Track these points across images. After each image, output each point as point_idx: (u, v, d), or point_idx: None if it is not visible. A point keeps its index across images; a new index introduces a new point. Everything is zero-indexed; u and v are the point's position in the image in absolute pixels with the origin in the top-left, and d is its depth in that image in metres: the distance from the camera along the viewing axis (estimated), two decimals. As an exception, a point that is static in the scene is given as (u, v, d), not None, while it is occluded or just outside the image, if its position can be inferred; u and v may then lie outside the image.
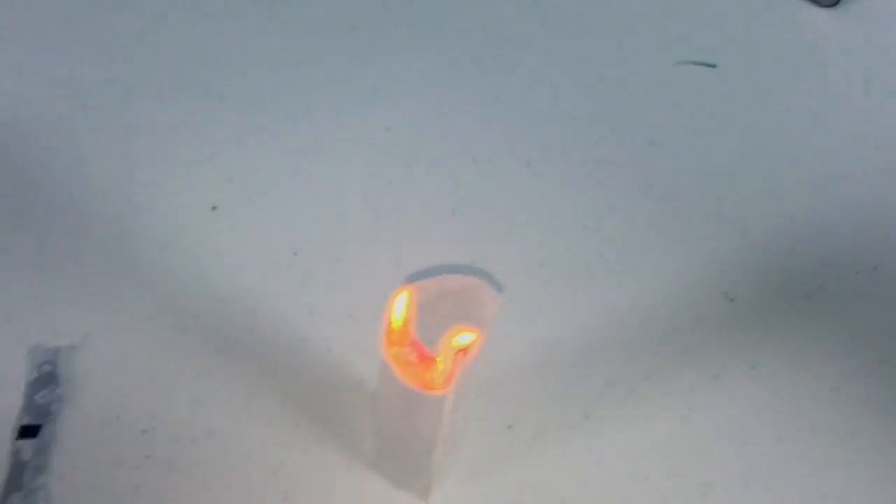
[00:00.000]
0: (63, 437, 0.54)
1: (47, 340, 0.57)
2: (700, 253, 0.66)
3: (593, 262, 0.65)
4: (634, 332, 0.62)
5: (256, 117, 0.70)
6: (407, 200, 0.66)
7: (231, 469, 0.54)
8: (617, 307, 0.63)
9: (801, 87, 0.77)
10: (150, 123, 0.69)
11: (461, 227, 0.66)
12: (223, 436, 0.55)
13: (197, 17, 0.76)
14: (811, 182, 0.71)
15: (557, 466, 0.56)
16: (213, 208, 0.65)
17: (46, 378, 0.56)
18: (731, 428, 0.58)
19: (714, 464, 0.56)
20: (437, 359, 0.42)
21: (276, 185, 0.66)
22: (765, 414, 0.59)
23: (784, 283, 0.65)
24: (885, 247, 0.67)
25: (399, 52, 0.76)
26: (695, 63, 0.77)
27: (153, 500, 0.52)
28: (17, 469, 0.52)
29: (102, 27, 0.74)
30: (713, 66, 0.77)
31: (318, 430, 0.55)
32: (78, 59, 0.72)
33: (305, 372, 0.58)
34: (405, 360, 0.42)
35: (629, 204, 0.68)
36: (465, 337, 0.40)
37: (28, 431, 0.54)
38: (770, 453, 0.57)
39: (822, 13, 0.82)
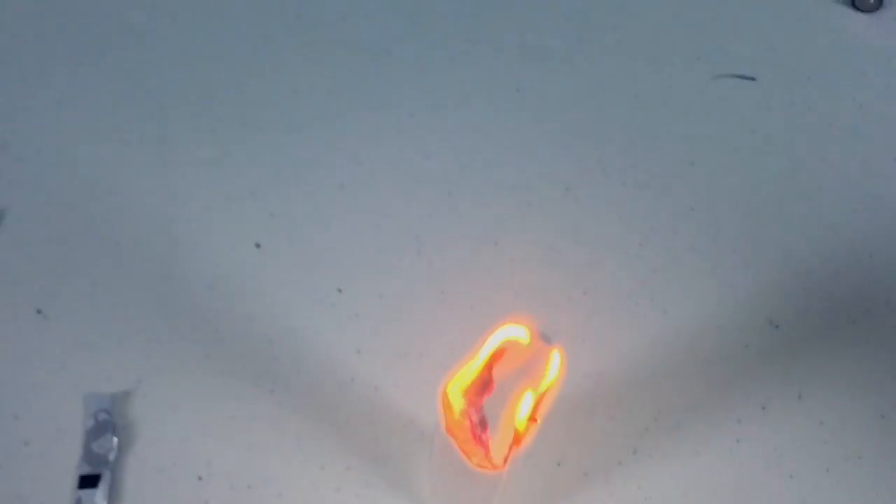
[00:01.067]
0: (122, 485, 0.55)
1: (102, 387, 0.58)
2: (743, 278, 0.66)
3: (636, 290, 0.65)
4: (679, 361, 0.62)
5: (294, 148, 0.70)
6: (449, 231, 0.67)
7: (286, 514, 0.55)
8: (661, 336, 0.63)
9: (843, 97, 0.76)
10: (188, 158, 0.69)
11: (504, 257, 0.66)
12: (278, 481, 0.56)
13: (230, 46, 0.76)
14: (854, 200, 0.70)
15: (607, 499, 0.57)
16: (257, 245, 0.65)
17: (103, 426, 0.57)
18: (779, 459, 0.58)
19: (763, 496, 0.57)
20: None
21: (316, 219, 0.67)
22: (812, 444, 0.59)
23: (829, 307, 0.65)
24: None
25: (434, 73, 0.76)
26: (734, 76, 0.76)
27: (212, 546, 0.54)
28: (80, 519, 0.54)
29: (137, 60, 0.75)
30: (753, 79, 0.76)
31: (370, 471, 0.56)
32: (114, 93, 0.72)
33: (354, 412, 0.58)
34: (466, 426, 0.42)
35: (670, 228, 0.68)
36: (525, 412, 0.40)
37: (88, 481, 0.55)
38: (819, 484, 0.58)
39: (863, 18, 0.80)
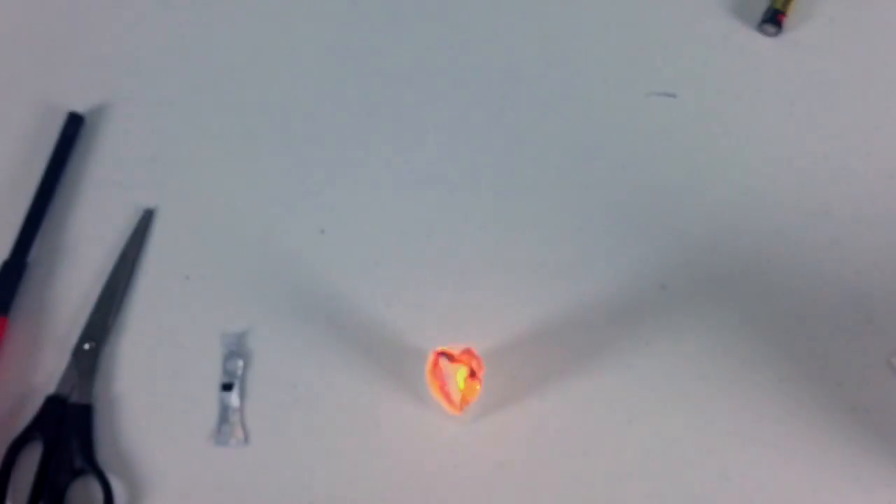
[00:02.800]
0: (247, 390, 0.91)
1: (230, 328, 0.93)
2: (648, 253, 0.97)
3: (575, 262, 0.96)
4: (596, 314, 0.94)
5: (346, 157, 1.02)
6: (449, 221, 0.98)
7: (343, 409, 0.91)
8: (587, 297, 0.95)
9: (740, 110, 1.03)
10: (272, 167, 1.01)
11: (489, 239, 0.98)
12: (340, 388, 0.91)
13: (309, 80, 1.06)
14: (734, 194, 0.99)
15: (542, 405, 0.91)
16: (322, 231, 0.98)
17: (233, 353, 0.93)
18: (652, 377, 0.92)
19: (638, 401, 0.91)
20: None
21: (362, 211, 0.99)
22: (674, 368, 0.92)
23: (703, 274, 0.96)
24: (773, 246, 0.97)
25: (442, 96, 1.05)
26: (659, 94, 1.03)
27: (299, 425, 0.90)
28: (224, 410, 0.90)
29: (236, 92, 1.06)
30: (673, 95, 1.03)
31: (394, 382, 0.91)
32: (220, 117, 1.04)
33: (384, 345, 0.93)
34: (438, 380, 0.77)
35: (602, 216, 0.99)
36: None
37: (227, 387, 0.91)
38: (674, 394, 0.91)
39: (766, 42, 1.06)
